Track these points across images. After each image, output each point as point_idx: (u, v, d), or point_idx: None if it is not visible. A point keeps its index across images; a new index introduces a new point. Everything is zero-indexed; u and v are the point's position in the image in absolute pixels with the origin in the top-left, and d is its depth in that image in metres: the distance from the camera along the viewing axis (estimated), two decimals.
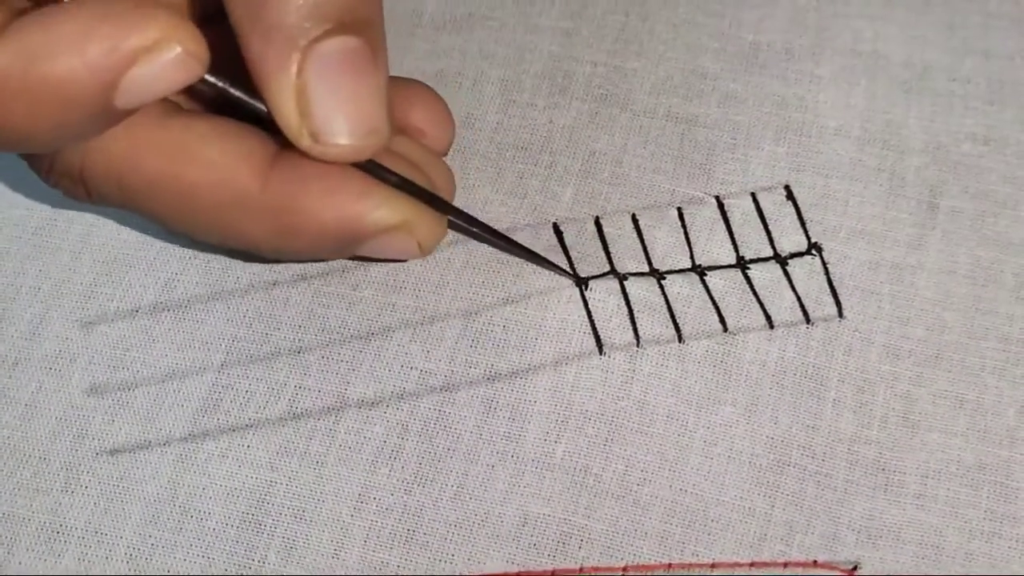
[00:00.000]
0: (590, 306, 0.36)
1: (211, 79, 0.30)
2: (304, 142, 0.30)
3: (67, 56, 0.27)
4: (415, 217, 0.32)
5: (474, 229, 0.35)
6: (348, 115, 0.30)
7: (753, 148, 0.39)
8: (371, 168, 0.31)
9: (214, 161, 0.30)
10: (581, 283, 0.37)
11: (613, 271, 0.37)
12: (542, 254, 0.37)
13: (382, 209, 0.31)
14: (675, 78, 0.41)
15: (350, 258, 0.37)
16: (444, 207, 0.33)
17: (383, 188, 0.31)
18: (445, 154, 0.36)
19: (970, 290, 0.37)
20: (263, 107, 0.30)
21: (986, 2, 0.43)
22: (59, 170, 0.31)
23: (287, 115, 0.30)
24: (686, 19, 0.42)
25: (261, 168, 0.31)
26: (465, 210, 0.35)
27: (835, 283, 0.37)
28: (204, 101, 0.33)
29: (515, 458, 0.34)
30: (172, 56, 0.27)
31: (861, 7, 0.42)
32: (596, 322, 0.36)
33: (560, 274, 0.37)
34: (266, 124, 0.31)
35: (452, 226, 0.36)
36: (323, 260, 0.37)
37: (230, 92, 0.30)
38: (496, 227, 0.36)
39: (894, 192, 0.38)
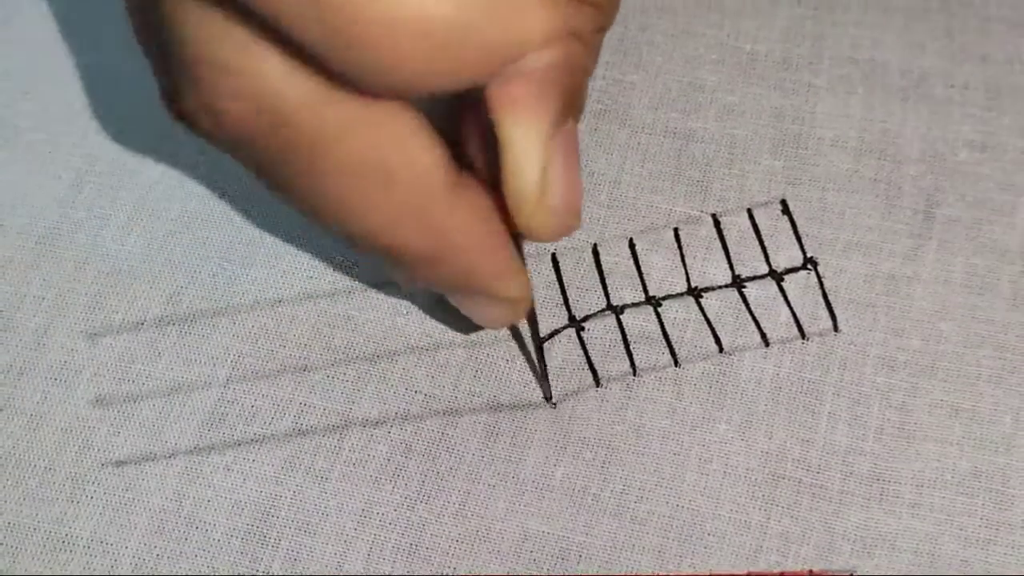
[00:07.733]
0: (587, 343, 0.36)
1: None
2: (534, 213, 0.29)
3: None
4: (524, 302, 0.33)
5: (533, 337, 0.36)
6: (570, 194, 0.30)
7: (750, 162, 0.39)
8: (519, 241, 0.31)
9: (419, 155, 0.28)
10: (577, 326, 0.37)
11: (610, 306, 0.37)
12: (541, 288, 0.37)
13: (513, 284, 0.32)
14: (673, 91, 0.41)
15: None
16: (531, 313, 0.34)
17: (522, 267, 0.32)
18: None
19: (966, 299, 0.37)
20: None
21: (984, 7, 0.42)
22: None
23: (530, 185, 0.29)
24: (684, 29, 0.42)
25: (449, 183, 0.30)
26: None
27: (830, 296, 0.37)
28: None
29: (516, 479, 0.34)
30: None
31: (859, 14, 0.42)
32: (593, 357, 0.36)
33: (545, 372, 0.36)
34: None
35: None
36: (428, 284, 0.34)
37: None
38: None
39: (890, 203, 0.38)
